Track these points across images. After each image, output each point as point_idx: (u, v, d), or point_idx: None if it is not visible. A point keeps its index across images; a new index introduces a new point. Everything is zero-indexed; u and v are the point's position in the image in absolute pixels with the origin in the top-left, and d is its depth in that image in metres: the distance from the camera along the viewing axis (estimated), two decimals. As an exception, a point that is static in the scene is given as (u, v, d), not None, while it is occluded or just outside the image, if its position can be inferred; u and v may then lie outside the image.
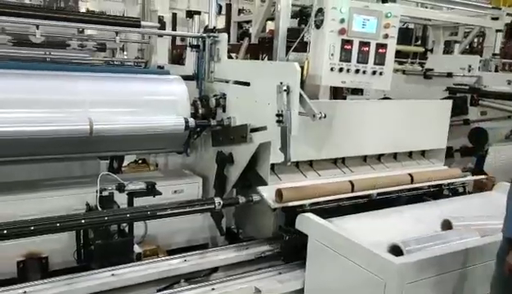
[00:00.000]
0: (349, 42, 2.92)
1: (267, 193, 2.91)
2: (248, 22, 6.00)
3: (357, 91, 5.80)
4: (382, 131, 3.44)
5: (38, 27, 3.25)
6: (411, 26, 8.36)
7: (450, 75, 5.05)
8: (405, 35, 8.43)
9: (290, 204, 2.85)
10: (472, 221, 2.72)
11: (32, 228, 2.29)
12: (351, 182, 3.11)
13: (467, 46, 7.33)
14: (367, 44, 2.98)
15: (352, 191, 3.09)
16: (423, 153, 3.83)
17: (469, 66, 4.95)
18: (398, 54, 6.84)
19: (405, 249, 2.33)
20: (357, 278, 2.32)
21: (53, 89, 2.93)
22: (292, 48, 3.17)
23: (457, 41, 6.73)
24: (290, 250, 2.93)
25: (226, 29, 5.77)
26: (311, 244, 2.65)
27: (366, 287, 2.27)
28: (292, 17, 3.42)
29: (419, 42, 8.51)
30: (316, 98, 3.26)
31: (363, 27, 2.94)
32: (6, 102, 2.76)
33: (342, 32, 2.89)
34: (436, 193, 3.58)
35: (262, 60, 4.09)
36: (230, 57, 3.75)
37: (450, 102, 3.87)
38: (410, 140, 3.63)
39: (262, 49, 4.21)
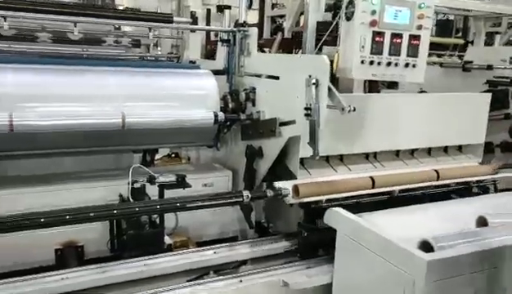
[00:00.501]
0: (380, 34, 2.86)
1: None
2: (281, 16, 5.97)
3: (393, 85, 5.66)
4: (415, 125, 3.34)
5: (75, 24, 3.37)
6: (452, 17, 8.08)
7: (490, 67, 4.81)
8: (445, 27, 8.15)
9: (306, 200, 2.83)
10: (510, 218, 2.61)
11: (67, 217, 2.38)
12: (372, 178, 3.03)
13: (511, 38, 7.00)
14: (399, 36, 2.91)
15: (373, 187, 3.02)
16: (460, 148, 3.71)
17: (511, 58, 4.73)
18: (438, 46, 6.63)
19: (436, 245, 2.27)
20: (386, 274, 2.28)
21: (88, 84, 3.03)
22: (322, 41, 3.13)
23: (499, 32, 6.44)
24: (307, 247, 2.92)
25: (260, 24, 5.75)
26: (340, 239, 2.62)
27: (395, 283, 2.23)
28: (326, 10, 3.38)
29: (459, 34, 8.22)
30: (349, 92, 3.22)
31: (395, 18, 2.87)
32: (45, 97, 2.88)
33: (373, 24, 2.83)
34: (464, 190, 3.44)
35: (296, 54, 4.07)
36: (262, 51, 3.75)
37: (489, 95, 3.70)
38: (445, 134, 3.51)
39: (295, 43, 4.18)
